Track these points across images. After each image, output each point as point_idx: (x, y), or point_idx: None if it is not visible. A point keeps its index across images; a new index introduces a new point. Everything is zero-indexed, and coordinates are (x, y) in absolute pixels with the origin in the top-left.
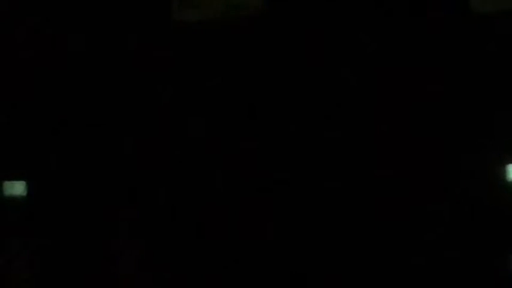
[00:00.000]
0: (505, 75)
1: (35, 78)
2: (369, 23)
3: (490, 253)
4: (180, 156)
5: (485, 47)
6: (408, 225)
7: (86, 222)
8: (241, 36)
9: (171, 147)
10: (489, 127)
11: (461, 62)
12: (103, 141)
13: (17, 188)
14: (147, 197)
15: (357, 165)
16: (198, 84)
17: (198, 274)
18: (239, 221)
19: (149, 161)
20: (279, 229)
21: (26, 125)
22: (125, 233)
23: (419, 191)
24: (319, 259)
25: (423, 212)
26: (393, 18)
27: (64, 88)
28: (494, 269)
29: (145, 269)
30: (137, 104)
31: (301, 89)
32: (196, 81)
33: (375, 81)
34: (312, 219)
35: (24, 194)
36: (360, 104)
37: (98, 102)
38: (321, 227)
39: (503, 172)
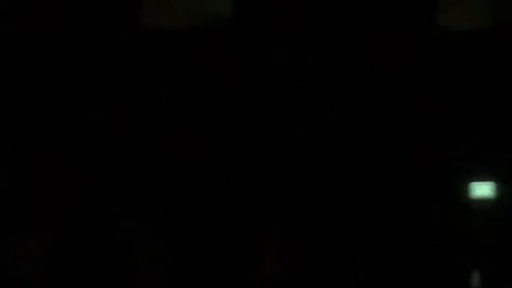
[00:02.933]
0: (471, 94)
1: None
2: (338, 37)
3: (453, 268)
4: None
5: (452, 65)
6: (372, 241)
7: None
8: (209, 44)
9: None
10: (453, 146)
11: (429, 80)
12: None
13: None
14: None
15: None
16: (164, 89)
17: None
18: None
19: None
20: None
21: None
22: None
23: (382, 207)
24: None
25: (386, 228)
26: (361, 34)
27: None
28: (457, 284)
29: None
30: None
31: (269, 95)
32: (162, 86)
33: (341, 95)
34: None
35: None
36: (326, 111)
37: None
38: None
39: (466, 190)
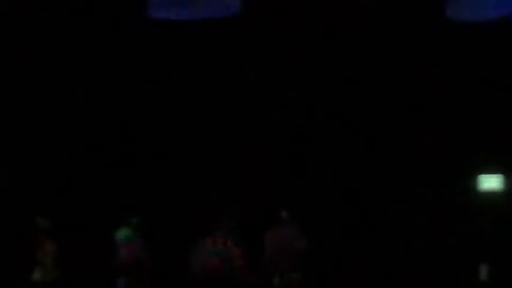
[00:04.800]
0: (479, 84)
1: None
2: (345, 29)
3: (461, 260)
4: None
5: (461, 55)
6: (382, 234)
7: None
8: (219, 36)
9: None
10: (462, 138)
11: (437, 70)
12: None
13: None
14: None
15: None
16: (175, 81)
17: None
18: None
19: None
20: None
21: None
22: None
23: (391, 201)
24: None
25: (395, 221)
26: (370, 28)
27: None
28: (466, 276)
29: None
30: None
31: (279, 87)
32: (173, 78)
33: (350, 86)
34: None
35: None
36: (338, 105)
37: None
38: None
39: (475, 182)
